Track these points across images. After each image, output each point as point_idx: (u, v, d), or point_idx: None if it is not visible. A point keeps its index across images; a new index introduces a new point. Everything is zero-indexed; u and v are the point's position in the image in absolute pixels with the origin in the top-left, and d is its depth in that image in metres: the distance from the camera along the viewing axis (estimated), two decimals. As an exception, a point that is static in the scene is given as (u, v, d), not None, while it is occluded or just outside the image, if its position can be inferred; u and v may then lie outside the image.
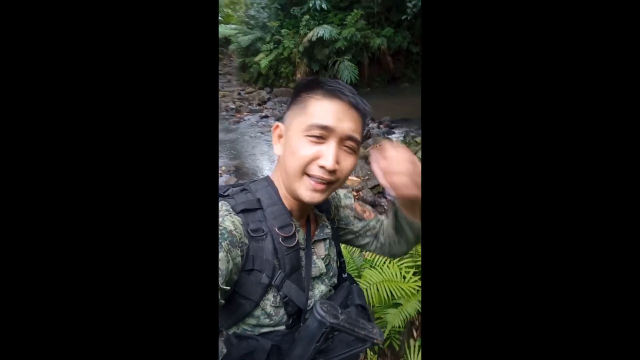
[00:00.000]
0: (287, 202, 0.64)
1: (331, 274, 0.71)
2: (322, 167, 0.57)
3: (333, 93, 0.59)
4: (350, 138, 0.59)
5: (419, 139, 4.58)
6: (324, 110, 0.58)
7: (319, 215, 0.74)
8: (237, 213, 0.59)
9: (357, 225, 0.81)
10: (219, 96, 8.67)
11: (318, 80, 0.61)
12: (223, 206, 0.59)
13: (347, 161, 0.60)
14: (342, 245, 0.83)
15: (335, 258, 0.73)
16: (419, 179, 0.55)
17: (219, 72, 11.10)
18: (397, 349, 1.62)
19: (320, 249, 0.70)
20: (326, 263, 0.69)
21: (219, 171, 4.34)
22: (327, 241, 0.71)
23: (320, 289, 0.67)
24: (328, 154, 0.57)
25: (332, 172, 0.57)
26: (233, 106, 7.83)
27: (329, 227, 0.73)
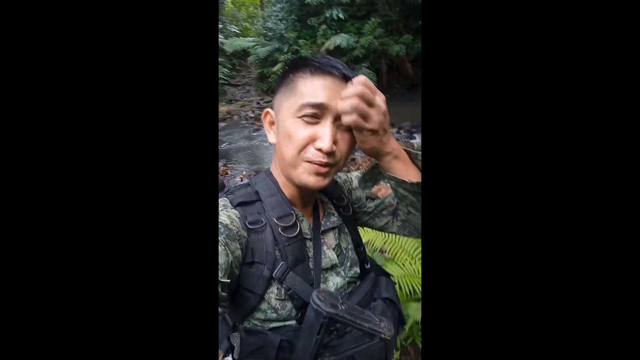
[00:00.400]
0: (287, 191, 0.61)
1: (348, 264, 0.66)
2: (319, 149, 0.53)
3: (322, 68, 0.54)
4: None
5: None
6: (314, 87, 0.54)
7: (325, 202, 0.70)
8: (235, 207, 0.57)
9: (370, 205, 0.76)
10: (239, 106, 8.85)
11: (305, 58, 0.57)
12: (220, 202, 0.58)
13: (346, 139, 0.56)
14: (363, 242, 0.77)
15: (350, 247, 0.68)
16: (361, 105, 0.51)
17: (238, 83, 11.38)
18: (421, 346, 1.53)
19: (330, 239, 0.65)
20: (338, 253, 0.65)
21: (241, 176, 4.36)
22: (336, 230, 0.67)
23: (335, 281, 0.62)
24: (324, 135, 0.53)
25: (330, 154, 0.53)
26: (252, 115, 7.97)
27: (336, 214, 0.68)
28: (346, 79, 0.55)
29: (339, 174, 0.78)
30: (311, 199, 0.65)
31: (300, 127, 0.54)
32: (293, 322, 0.56)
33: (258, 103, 9.15)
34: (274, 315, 0.55)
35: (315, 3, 8.04)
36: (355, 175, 0.79)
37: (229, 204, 0.58)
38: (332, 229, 0.66)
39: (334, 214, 0.68)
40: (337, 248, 0.66)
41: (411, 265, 1.84)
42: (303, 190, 0.61)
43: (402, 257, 1.91)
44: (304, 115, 0.53)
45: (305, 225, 0.62)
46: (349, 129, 0.55)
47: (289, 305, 0.56)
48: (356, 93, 0.50)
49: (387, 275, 0.74)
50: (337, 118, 0.54)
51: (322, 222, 0.65)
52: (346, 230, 0.70)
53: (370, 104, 0.51)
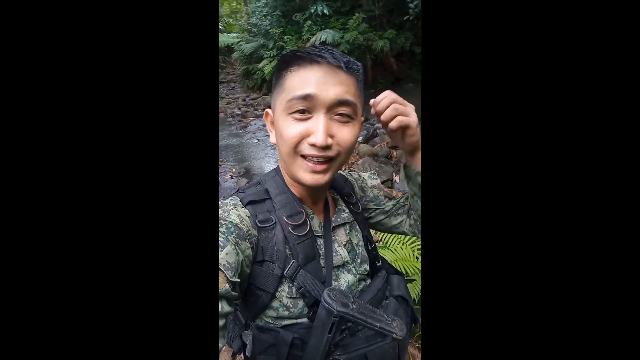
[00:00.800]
0: (295, 189, 0.61)
1: (358, 260, 0.66)
2: (312, 144, 0.51)
3: (309, 58, 0.52)
4: (340, 103, 0.52)
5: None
6: (301, 80, 0.52)
7: (336, 199, 0.70)
8: (245, 205, 0.57)
9: (389, 205, 0.77)
10: (224, 103, 8.77)
11: (292, 52, 0.55)
12: (231, 201, 0.58)
13: (344, 131, 0.53)
14: None
15: (360, 244, 0.69)
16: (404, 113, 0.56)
17: (223, 80, 11.24)
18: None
19: (341, 235, 0.65)
20: (349, 250, 0.65)
21: (230, 173, 4.37)
22: (347, 226, 0.67)
23: (346, 278, 0.62)
24: (317, 129, 0.51)
25: (326, 147, 0.52)
26: (239, 112, 7.91)
27: (347, 211, 0.69)
28: (339, 67, 0.52)
29: (352, 172, 0.80)
30: (321, 196, 0.64)
31: (291, 125, 0.52)
32: (305, 320, 0.56)
33: (244, 100, 9.08)
34: (286, 313, 0.56)
35: (299, -1, 8.03)
36: (367, 175, 0.81)
37: (239, 203, 0.57)
38: (343, 225, 0.66)
39: (344, 210, 0.68)
40: (348, 244, 0.65)
41: (402, 250, 1.95)
42: (310, 188, 0.59)
43: (393, 243, 2.04)
44: (294, 112, 0.52)
45: (316, 223, 0.62)
46: (349, 118, 0.53)
47: (300, 303, 0.56)
48: (391, 99, 0.55)
49: (399, 273, 0.73)
50: (329, 109, 0.52)
51: (333, 218, 0.65)
52: (357, 227, 0.69)
53: (403, 104, 0.56)
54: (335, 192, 0.71)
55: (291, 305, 0.56)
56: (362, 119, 0.60)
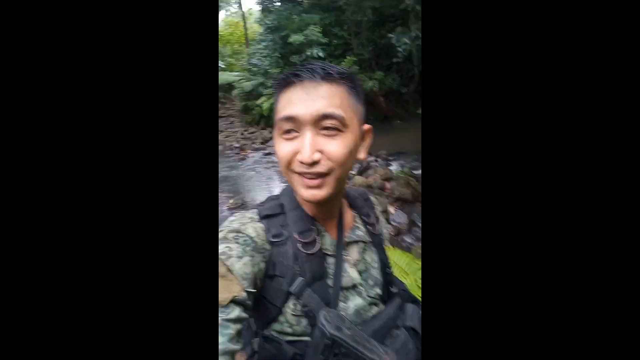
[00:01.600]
0: (306, 206, 0.61)
1: (371, 282, 0.64)
2: (300, 161, 0.52)
3: (289, 80, 0.54)
4: (324, 117, 0.51)
5: (416, 171, 4.90)
6: (286, 101, 0.53)
7: (354, 215, 0.69)
8: (261, 219, 0.59)
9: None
10: (223, 136, 9.19)
11: (280, 76, 0.56)
12: (248, 214, 0.60)
13: (331, 145, 0.52)
14: None
15: (375, 265, 0.67)
16: None
17: (222, 115, 11.77)
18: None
19: (354, 254, 0.64)
20: (360, 270, 0.63)
21: (227, 204, 4.61)
22: (361, 245, 0.65)
23: (355, 302, 0.60)
24: (303, 146, 0.52)
25: (314, 163, 0.52)
26: (237, 145, 8.30)
27: (363, 230, 0.67)
28: (320, 81, 0.52)
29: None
30: (333, 212, 0.63)
31: (282, 145, 0.54)
32: (308, 338, 0.55)
33: (242, 134, 9.53)
34: (290, 329, 0.56)
35: (297, 42, 8.72)
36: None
37: (256, 217, 0.59)
38: (357, 242, 0.65)
39: (359, 228, 0.67)
40: (361, 263, 0.64)
41: (405, 279, 2.02)
42: (319, 204, 0.59)
43: (396, 272, 2.07)
44: (283, 132, 0.54)
45: (327, 241, 0.61)
46: (337, 131, 0.53)
47: (304, 321, 0.55)
48: None
49: (415, 301, 0.71)
50: (314, 124, 0.52)
51: (348, 235, 0.64)
52: (373, 248, 0.68)
53: None
54: (354, 209, 0.70)
55: (294, 323, 0.56)
56: (365, 127, 0.59)
